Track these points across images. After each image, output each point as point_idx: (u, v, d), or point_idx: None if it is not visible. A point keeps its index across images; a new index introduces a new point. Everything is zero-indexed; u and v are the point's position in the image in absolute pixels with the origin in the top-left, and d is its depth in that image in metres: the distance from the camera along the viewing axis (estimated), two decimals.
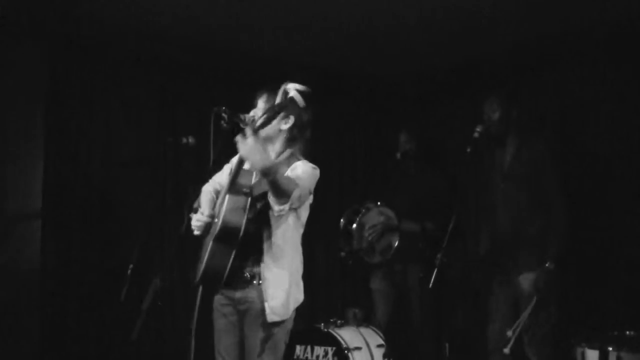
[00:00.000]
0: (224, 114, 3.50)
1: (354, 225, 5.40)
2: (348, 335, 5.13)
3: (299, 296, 3.69)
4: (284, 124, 3.56)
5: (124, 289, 4.27)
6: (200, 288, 3.55)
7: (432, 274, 4.28)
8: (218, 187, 3.87)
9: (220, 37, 5.35)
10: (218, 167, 3.90)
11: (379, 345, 5.21)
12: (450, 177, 5.85)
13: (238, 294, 3.58)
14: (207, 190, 3.86)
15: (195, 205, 3.66)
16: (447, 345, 5.02)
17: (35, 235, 5.07)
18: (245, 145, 3.16)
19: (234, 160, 3.77)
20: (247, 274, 3.55)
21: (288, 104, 3.25)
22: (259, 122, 3.23)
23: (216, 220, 3.54)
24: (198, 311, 3.54)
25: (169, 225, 5.50)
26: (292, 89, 3.21)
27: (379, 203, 5.56)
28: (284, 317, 3.57)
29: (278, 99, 3.13)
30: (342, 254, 5.55)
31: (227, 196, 3.42)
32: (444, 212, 5.24)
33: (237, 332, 3.65)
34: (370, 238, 5.43)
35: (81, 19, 4.99)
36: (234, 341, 3.65)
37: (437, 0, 4.72)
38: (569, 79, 5.57)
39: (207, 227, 3.64)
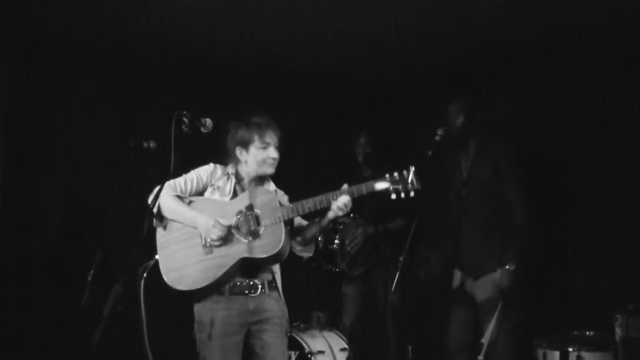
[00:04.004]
0: (185, 118, 3.52)
1: (336, 244, 5.42)
2: (311, 339, 5.12)
3: None
4: None
5: (85, 295, 4.23)
6: (142, 294, 3.59)
7: (395, 276, 4.30)
8: (180, 194, 3.90)
9: (183, 40, 5.32)
10: (179, 171, 3.88)
11: (343, 349, 5.21)
12: None
13: (252, 304, 3.74)
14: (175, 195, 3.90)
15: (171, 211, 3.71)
16: (410, 347, 5.03)
17: None
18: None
19: (203, 174, 3.94)
20: (259, 283, 3.77)
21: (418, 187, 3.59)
22: (382, 189, 3.63)
23: (249, 238, 3.67)
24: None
25: (131, 230, 5.45)
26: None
27: (351, 215, 5.58)
28: None
29: (411, 178, 3.55)
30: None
31: (282, 225, 3.64)
32: (405, 214, 5.29)
33: (240, 352, 3.75)
34: (352, 252, 5.45)
35: (43, 21, 4.93)
36: (240, 358, 3.76)
37: (400, 5, 4.73)
38: (532, 83, 5.63)
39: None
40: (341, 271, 5.50)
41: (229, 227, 3.70)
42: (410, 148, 6.29)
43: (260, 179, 3.91)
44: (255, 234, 3.64)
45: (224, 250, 3.68)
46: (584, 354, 4.08)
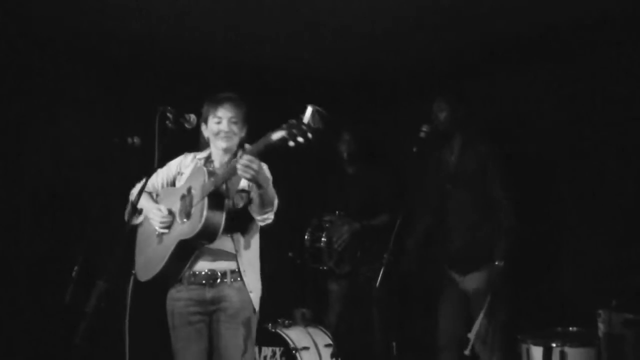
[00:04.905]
0: (169, 114, 3.52)
1: (322, 242, 5.42)
2: (296, 335, 5.13)
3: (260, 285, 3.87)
4: None
5: (69, 291, 4.22)
6: (130, 287, 3.62)
7: (379, 273, 4.30)
8: (152, 189, 3.98)
9: (167, 36, 5.29)
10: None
11: (327, 345, 5.22)
12: (397, 176, 5.88)
13: (210, 294, 3.67)
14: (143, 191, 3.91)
15: (138, 206, 3.66)
16: (394, 344, 5.05)
17: None
18: (254, 163, 3.25)
19: (173, 164, 3.96)
20: (218, 272, 3.67)
21: (316, 127, 3.12)
22: (279, 138, 3.17)
23: (184, 220, 3.60)
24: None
25: (115, 226, 5.43)
26: (317, 110, 3.12)
27: (337, 212, 5.59)
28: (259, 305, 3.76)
29: (307, 118, 3.06)
30: (290, 254, 5.57)
31: (206, 199, 3.46)
32: (390, 210, 5.30)
33: (205, 338, 3.71)
34: (340, 250, 5.45)
35: (26, 15, 4.89)
36: (202, 348, 3.70)
37: (382, 3, 4.73)
38: (517, 82, 5.64)
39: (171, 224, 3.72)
40: (329, 269, 5.50)
41: (170, 212, 3.70)
42: (394, 144, 6.30)
43: (229, 157, 3.84)
44: (188, 215, 3.58)
45: (168, 236, 3.68)
46: (567, 349, 4.09)
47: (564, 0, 4.61)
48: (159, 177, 3.96)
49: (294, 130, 3.07)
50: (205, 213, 3.42)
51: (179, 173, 3.92)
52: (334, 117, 3.12)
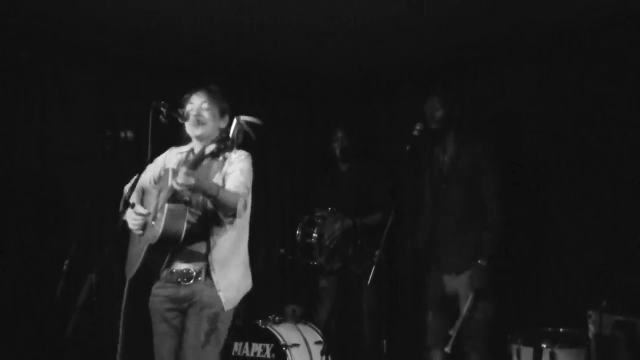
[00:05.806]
0: (162, 109, 3.52)
1: (314, 237, 5.41)
2: (286, 332, 5.13)
3: (248, 283, 3.83)
4: None
5: (60, 285, 4.20)
6: (127, 287, 3.65)
7: (371, 271, 4.30)
8: (143, 185, 3.94)
9: (160, 31, 5.27)
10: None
11: (318, 342, 5.22)
12: (390, 174, 5.87)
13: (183, 292, 3.65)
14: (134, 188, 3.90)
15: (130, 200, 3.65)
16: (384, 342, 5.05)
17: None
18: (191, 177, 3.25)
19: (160, 160, 3.92)
20: (193, 271, 3.64)
21: (240, 141, 3.15)
22: (210, 152, 3.17)
23: (153, 223, 3.58)
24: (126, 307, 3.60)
25: (106, 221, 5.42)
26: (245, 123, 3.14)
27: (330, 209, 5.58)
28: (235, 304, 3.71)
29: (232, 133, 3.08)
30: (282, 250, 5.56)
31: (166, 205, 3.45)
32: (383, 208, 5.29)
33: (179, 336, 3.69)
34: (331, 246, 5.44)
35: (17, 10, 4.87)
36: (178, 345, 3.69)
37: (379, 1, 4.73)
38: (508, 80, 5.64)
39: (145, 225, 3.70)
40: (319, 265, 5.49)
41: (146, 215, 3.68)
42: (388, 142, 6.30)
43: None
44: (156, 219, 3.57)
45: (144, 237, 3.67)
46: (557, 350, 4.10)
47: (562, 0, 4.62)
48: (147, 174, 3.93)
49: (222, 146, 3.11)
50: (164, 220, 3.43)
51: (164, 169, 3.87)
52: (265, 125, 3.18)
